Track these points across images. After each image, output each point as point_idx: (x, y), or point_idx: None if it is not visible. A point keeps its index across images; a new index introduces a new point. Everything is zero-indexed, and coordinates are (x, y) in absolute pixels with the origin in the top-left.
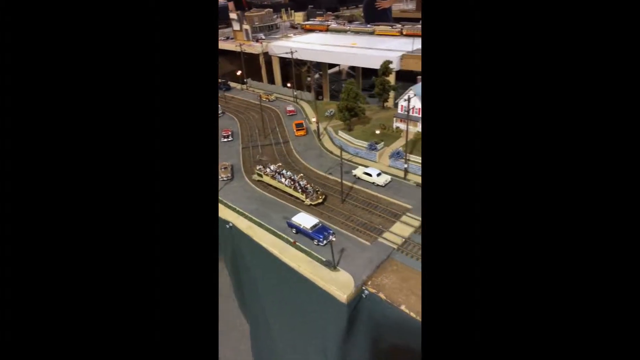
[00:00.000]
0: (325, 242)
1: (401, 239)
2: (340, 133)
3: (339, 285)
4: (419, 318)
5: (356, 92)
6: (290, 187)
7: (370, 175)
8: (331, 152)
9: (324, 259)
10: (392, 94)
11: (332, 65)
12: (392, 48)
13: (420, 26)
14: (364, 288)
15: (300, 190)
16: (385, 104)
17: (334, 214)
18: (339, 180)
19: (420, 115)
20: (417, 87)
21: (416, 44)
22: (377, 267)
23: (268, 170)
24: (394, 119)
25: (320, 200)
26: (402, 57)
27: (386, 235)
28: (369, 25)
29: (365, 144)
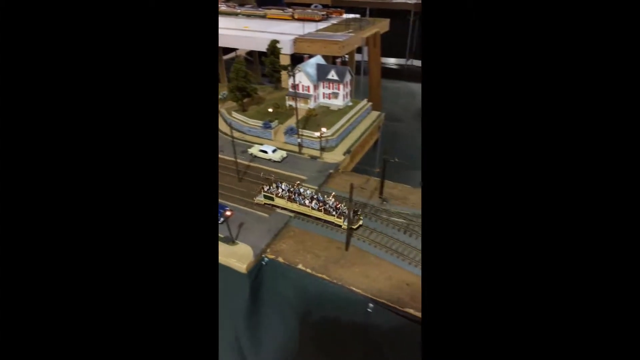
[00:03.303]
0: (221, 219)
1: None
2: (234, 114)
3: (238, 257)
4: (314, 272)
5: (245, 72)
6: (318, 210)
7: (266, 152)
8: (225, 134)
9: (222, 236)
10: (284, 74)
11: (228, 50)
12: (285, 32)
13: (310, 11)
14: (263, 256)
15: (335, 214)
16: (280, 85)
17: (231, 193)
18: (233, 159)
19: (310, 93)
20: (304, 65)
21: (307, 28)
22: (276, 235)
23: (280, 190)
24: (286, 97)
25: (360, 222)
26: (295, 41)
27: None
28: (260, 9)
29: (259, 123)
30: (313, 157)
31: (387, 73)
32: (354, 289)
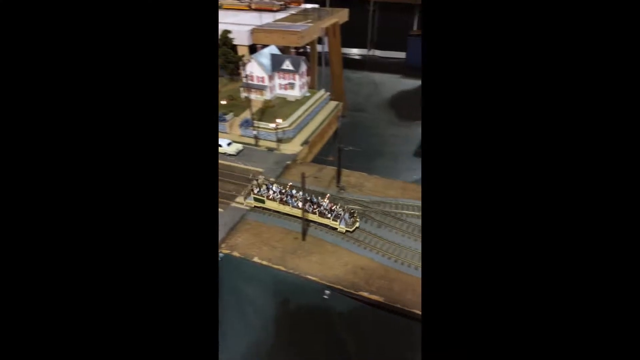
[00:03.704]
0: None
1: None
2: None
3: None
4: (271, 264)
5: None
6: (313, 212)
7: (220, 145)
8: None
9: None
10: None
11: None
12: (241, 22)
13: (268, 0)
14: (218, 252)
15: (330, 217)
16: (239, 76)
17: None
18: None
19: (265, 84)
20: (257, 55)
21: (264, 19)
22: (231, 229)
23: (271, 192)
24: (241, 89)
25: (357, 224)
26: (253, 31)
27: (240, 199)
28: None
29: None
30: (270, 149)
31: (350, 63)
32: (310, 277)
